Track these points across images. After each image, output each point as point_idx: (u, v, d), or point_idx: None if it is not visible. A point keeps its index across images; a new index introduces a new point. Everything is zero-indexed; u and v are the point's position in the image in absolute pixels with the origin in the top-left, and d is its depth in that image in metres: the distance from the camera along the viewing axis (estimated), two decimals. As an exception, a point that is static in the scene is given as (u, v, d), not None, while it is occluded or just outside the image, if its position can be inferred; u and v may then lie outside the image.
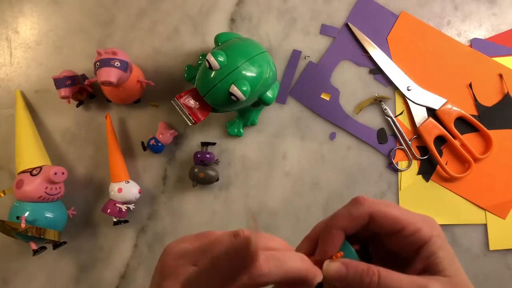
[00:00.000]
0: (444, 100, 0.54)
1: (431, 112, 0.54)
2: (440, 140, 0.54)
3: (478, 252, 0.54)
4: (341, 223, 0.26)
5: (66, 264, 0.54)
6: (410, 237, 0.26)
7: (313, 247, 0.28)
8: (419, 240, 0.25)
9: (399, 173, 0.55)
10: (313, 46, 0.55)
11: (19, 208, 0.48)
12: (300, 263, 0.24)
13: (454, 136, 0.54)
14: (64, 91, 0.50)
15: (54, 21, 0.56)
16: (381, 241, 0.28)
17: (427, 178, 0.54)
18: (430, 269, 0.25)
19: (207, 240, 0.25)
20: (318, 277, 0.24)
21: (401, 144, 0.55)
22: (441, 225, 0.54)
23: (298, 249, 0.28)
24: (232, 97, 0.44)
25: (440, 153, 0.54)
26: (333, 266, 0.25)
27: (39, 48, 0.56)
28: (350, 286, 0.25)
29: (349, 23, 0.55)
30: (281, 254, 0.23)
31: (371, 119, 0.55)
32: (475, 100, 0.54)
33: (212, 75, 0.44)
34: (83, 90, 0.53)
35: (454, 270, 0.25)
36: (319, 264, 0.26)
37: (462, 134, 0.54)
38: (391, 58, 0.55)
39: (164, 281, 0.24)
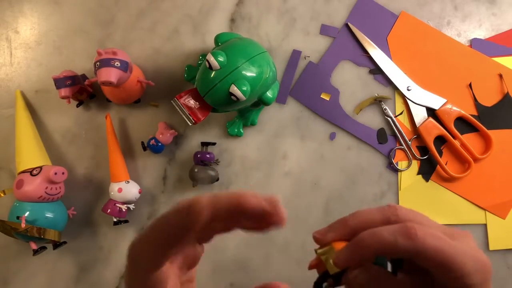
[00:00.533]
0: (444, 100, 0.54)
1: (431, 112, 0.54)
2: (440, 140, 0.54)
3: (478, 252, 0.54)
4: (381, 249, 0.23)
5: (66, 264, 0.54)
6: (456, 280, 0.23)
7: (346, 234, 0.25)
8: (464, 285, 0.23)
9: (399, 173, 0.55)
10: (313, 46, 0.55)
11: (19, 208, 0.48)
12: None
13: (454, 136, 0.54)
14: (64, 91, 0.50)
15: (54, 21, 0.56)
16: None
17: (427, 178, 0.54)
18: None
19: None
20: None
21: (401, 144, 0.55)
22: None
23: (330, 227, 0.26)
24: (232, 97, 0.44)
25: (440, 153, 0.54)
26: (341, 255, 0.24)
27: (39, 48, 0.56)
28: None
29: (349, 23, 0.55)
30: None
31: (371, 119, 0.55)
32: (475, 100, 0.55)
33: (212, 75, 0.44)
34: (83, 90, 0.53)
35: None
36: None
37: (462, 134, 0.54)
38: (391, 58, 0.55)
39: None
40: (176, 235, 0.20)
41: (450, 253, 0.23)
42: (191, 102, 0.47)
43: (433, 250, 0.22)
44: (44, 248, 0.51)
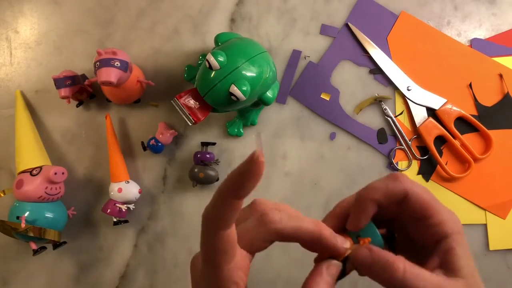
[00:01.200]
0: (444, 100, 0.54)
1: (431, 112, 0.54)
2: (440, 140, 0.54)
3: (478, 252, 0.54)
4: (376, 195, 0.26)
5: (66, 264, 0.54)
6: (434, 227, 0.26)
7: (338, 224, 0.28)
8: (442, 232, 0.25)
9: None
10: (313, 46, 0.55)
11: (19, 208, 0.48)
12: (312, 225, 0.24)
13: (454, 136, 0.54)
14: (64, 91, 0.50)
15: (54, 21, 0.56)
16: (405, 227, 0.28)
17: (427, 178, 0.54)
18: (446, 265, 0.25)
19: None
20: (340, 245, 0.25)
21: (401, 144, 0.55)
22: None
23: (325, 221, 0.29)
24: (232, 97, 0.44)
25: (440, 153, 0.54)
26: (362, 251, 0.25)
27: (39, 48, 0.56)
28: (373, 274, 0.24)
29: (349, 23, 0.55)
30: (296, 214, 0.25)
31: (371, 119, 0.55)
32: (475, 100, 0.55)
33: (212, 75, 0.44)
34: (83, 90, 0.53)
35: (470, 271, 0.25)
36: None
37: (462, 134, 0.54)
38: (391, 58, 0.55)
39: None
40: (242, 185, 0.21)
41: (432, 197, 0.26)
42: (191, 102, 0.47)
43: (417, 194, 0.25)
44: (44, 248, 0.50)
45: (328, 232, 0.25)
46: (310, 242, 0.25)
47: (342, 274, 0.25)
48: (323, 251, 0.26)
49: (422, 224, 0.26)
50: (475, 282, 0.25)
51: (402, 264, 0.24)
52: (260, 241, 0.24)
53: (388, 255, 0.24)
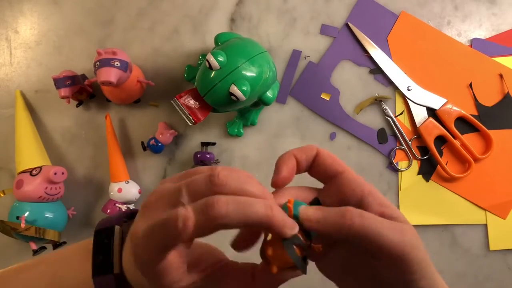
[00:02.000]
0: (444, 100, 0.54)
1: (431, 112, 0.54)
2: (440, 140, 0.54)
3: (478, 252, 0.54)
4: (293, 151, 0.28)
5: (66, 264, 0.54)
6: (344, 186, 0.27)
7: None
8: (358, 187, 0.26)
9: (399, 173, 0.54)
10: (313, 46, 0.55)
11: (19, 208, 0.48)
12: (263, 210, 0.22)
13: (454, 136, 0.54)
14: (64, 91, 0.50)
15: (54, 21, 0.56)
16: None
17: (427, 178, 0.54)
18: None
19: (186, 178, 0.24)
20: (290, 228, 0.23)
21: (401, 144, 0.54)
22: (441, 225, 0.55)
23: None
24: (232, 97, 0.44)
25: (440, 153, 0.54)
26: (310, 210, 0.24)
27: (39, 48, 0.56)
28: (328, 231, 0.23)
29: (349, 23, 0.55)
30: (245, 199, 0.22)
31: (371, 119, 0.55)
32: (475, 100, 0.54)
33: (212, 75, 0.44)
34: (83, 90, 0.53)
35: (403, 217, 0.25)
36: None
37: (462, 134, 0.54)
38: (391, 58, 0.55)
39: (138, 220, 0.25)
40: (168, 245, 0.22)
41: (335, 157, 0.28)
42: (191, 102, 0.47)
43: (324, 152, 0.28)
44: (44, 248, 0.50)
45: (279, 218, 0.23)
46: (258, 230, 0.25)
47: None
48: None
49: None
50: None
51: (356, 210, 0.23)
52: (203, 231, 0.22)
53: (335, 208, 0.24)
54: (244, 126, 0.54)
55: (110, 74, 0.45)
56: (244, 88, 0.43)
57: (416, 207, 0.54)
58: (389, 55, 0.55)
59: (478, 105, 0.54)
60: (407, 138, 0.54)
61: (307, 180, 0.29)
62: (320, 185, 0.29)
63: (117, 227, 0.28)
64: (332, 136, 0.55)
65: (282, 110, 0.55)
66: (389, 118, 0.55)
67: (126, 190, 0.51)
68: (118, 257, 0.26)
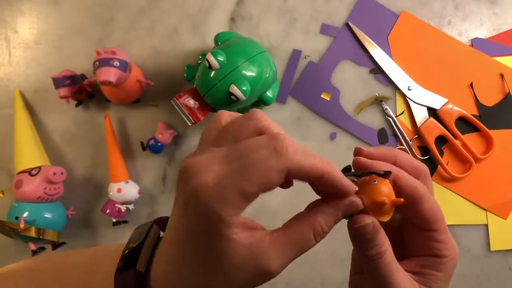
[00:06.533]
0: (445, 100, 0.54)
1: (432, 112, 0.54)
2: (441, 140, 0.54)
3: (479, 252, 0.54)
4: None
5: (65, 264, 0.54)
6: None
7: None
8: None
9: (399, 173, 0.54)
10: (313, 46, 0.55)
11: (18, 208, 0.48)
12: (326, 164, 0.23)
13: (455, 136, 0.54)
14: (63, 91, 0.50)
15: (53, 21, 0.56)
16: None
17: (428, 178, 0.54)
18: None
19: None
20: (351, 188, 0.24)
21: (402, 144, 0.54)
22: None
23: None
24: (232, 97, 0.43)
25: (441, 153, 0.54)
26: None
27: (38, 47, 0.56)
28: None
29: (349, 23, 0.55)
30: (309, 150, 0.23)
31: (372, 119, 0.55)
32: (476, 100, 0.54)
33: (212, 75, 0.44)
34: (82, 90, 0.53)
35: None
36: None
37: (463, 134, 0.54)
38: (391, 58, 0.54)
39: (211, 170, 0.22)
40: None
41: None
42: (191, 102, 0.47)
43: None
44: (43, 248, 0.50)
45: (338, 174, 0.24)
46: (320, 182, 0.24)
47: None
48: (330, 192, 0.25)
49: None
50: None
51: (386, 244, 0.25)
52: (273, 175, 0.21)
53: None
54: (244, 126, 0.54)
55: (110, 74, 0.45)
56: (244, 88, 0.43)
57: (417, 207, 0.54)
58: (390, 55, 0.55)
59: (479, 105, 0.54)
60: (407, 138, 0.54)
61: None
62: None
63: (155, 226, 0.27)
64: (333, 136, 0.55)
65: (282, 110, 0.55)
66: (389, 118, 0.54)
67: (125, 190, 0.51)
68: (146, 256, 0.25)
